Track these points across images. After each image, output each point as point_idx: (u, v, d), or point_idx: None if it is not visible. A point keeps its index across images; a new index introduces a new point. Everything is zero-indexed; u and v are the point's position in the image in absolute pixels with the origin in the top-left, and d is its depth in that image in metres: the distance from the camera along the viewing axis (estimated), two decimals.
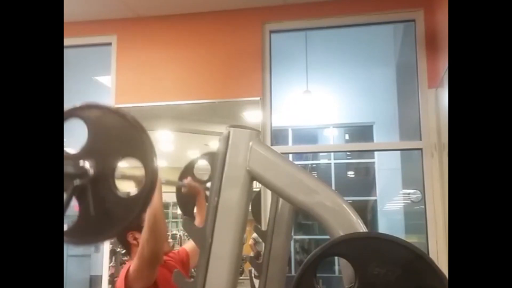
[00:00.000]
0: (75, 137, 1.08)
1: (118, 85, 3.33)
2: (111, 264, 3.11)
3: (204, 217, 2.11)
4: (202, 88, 3.21)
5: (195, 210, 2.13)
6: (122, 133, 1.03)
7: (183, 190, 2.08)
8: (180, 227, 3.31)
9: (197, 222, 2.10)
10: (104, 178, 1.02)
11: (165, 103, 3.23)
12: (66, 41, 3.01)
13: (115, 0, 3.14)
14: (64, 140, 0.96)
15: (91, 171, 1.01)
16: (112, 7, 3.23)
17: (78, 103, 1.04)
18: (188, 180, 2.06)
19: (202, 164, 2.19)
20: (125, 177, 1.23)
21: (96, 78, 4.65)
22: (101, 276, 3.18)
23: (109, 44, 3.43)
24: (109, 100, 3.35)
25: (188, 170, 2.20)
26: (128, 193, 1.04)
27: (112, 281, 3.07)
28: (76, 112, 1.04)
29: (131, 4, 3.20)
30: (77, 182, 0.99)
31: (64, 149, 1.01)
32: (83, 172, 1.01)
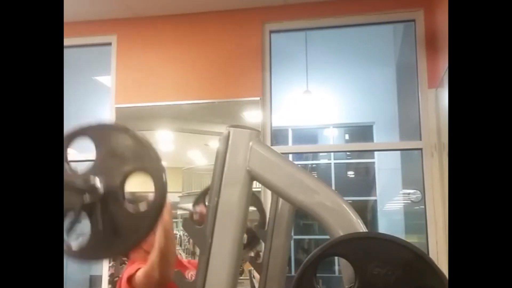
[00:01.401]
0: (83, 155, 1.10)
1: (118, 85, 3.33)
2: (110, 264, 3.11)
3: None
4: (202, 88, 3.21)
5: None
6: (130, 150, 1.04)
7: (194, 217, 2.05)
8: (180, 227, 3.31)
9: None
10: (114, 194, 1.03)
11: (165, 103, 3.23)
12: (66, 41, 3.01)
13: (115, 0, 3.14)
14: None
15: (101, 189, 1.02)
16: (112, 7, 3.23)
17: (85, 123, 1.05)
18: (201, 208, 2.03)
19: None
20: (136, 198, 1.23)
21: (96, 78, 4.65)
22: (101, 276, 3.18)
23: (109, 44, 3.43)
24: (109, 100, 3.36)
25: (202, 196, 2.18)
26: (138, 208, 1.04)
27: (112, 281, 3.07)
28: (84, 132, 1.05)
29: (131, 4, 3.20)
30: (86, 199, 1.00)
31: (74, 167, 1.03)
32: (92, 189, 1.01)
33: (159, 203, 1.02)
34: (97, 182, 1.02)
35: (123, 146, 1.05)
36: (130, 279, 1.67)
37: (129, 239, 1.02)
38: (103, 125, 1.09)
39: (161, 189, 1.01)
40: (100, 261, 1.09)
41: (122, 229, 1.02)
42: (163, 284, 1.56)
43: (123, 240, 1.02)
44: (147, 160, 1.03)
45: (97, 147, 1.05)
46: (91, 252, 1.03)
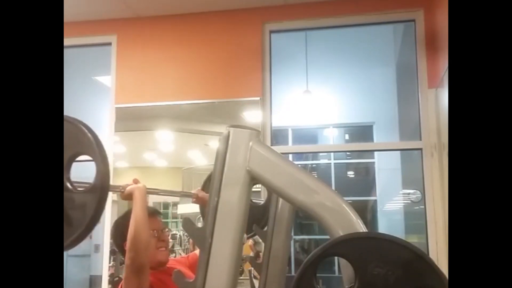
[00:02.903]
0: None
1: (118, 85, 3.33)
2: (110, 264, 3.11)
3: None
4: (202, 88, 3.21)
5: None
6: (67, 136, 1.06)
7: (192, 201, 2.08)
8: (180, 227, 3.31)
9: None
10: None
11: (165, 103, 3.23)
12: (66, 41, 3.01)
13: (115, 0, 3.14)
14: None
15: None
16: (112, 7, 3.23)
17: None
18: (196, 191, 2.07)
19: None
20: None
21: (96, 78, 4.65)
22: (101, 276, 3.18)
23: (109, 44, 3.43)
24: (109, 100, 3.36)
25: (206, 184, 2.20)
26: (83, 187, 1.07)
27: (112, 281, 3.07)
28: None
29: (131, 4, 3.20)
30: None
31: None
32: None
33: (102, 181, 1.05)
34: None
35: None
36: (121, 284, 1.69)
37: (80, 222, 1.04)
38: None
39: (102, 167, 1.05)
40: (69, 248, 1.11)
41: (71, 213, 1.05)
42: (136, 272, 1.59)
43: (74, 225, 1.04)
44: (85, 142, 1.07)
45: None
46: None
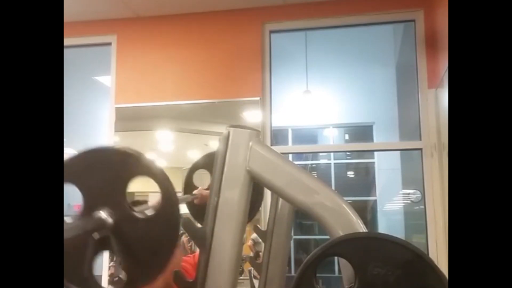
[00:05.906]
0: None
1: (118, 85, 3.33)
2: (111, 264, 3.11)
3: None
4: (202, 88, 3.21)
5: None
6: (121, 162, 0.94)
7: (195, 201, 2.02)
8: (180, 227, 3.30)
9: None
10: (126, 215, 0.91)
11: (165, 103, 3.23)
12: (66, 41, 3.02)
13: (115, 0, 3.14)
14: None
15: (109, 219, 0.90)
16: (112, 7, 3.23)
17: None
18: (198, 191, 2.01)
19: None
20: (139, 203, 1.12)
21: (96, 78, 4.65)
22: (101, 276, 3.18)
23: (109, 44, 3.44)
24: (109, 100, 3.36)
25: (189, 180, 2.13)
26: (151, 212, 0.93)
27: (112, 281, 3.06)
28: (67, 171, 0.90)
29: (131, 4, 3.20)
30: (96, 236, 0.89)
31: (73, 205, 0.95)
32: (99, 224, 0.89)
33: (169, 199, 0.90)
34: (102, 214, 0.90)
35: (110, 163, 0.94)
36: None
37: (161, 249, 0.93)
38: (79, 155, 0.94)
39: (166, 188, 0.92)
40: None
41: (148, 243, 0.92)
42: None
43: (156, 253, 0.93)
44: (139, 163, 0.94)
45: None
46: (134, 284, 0.96)
